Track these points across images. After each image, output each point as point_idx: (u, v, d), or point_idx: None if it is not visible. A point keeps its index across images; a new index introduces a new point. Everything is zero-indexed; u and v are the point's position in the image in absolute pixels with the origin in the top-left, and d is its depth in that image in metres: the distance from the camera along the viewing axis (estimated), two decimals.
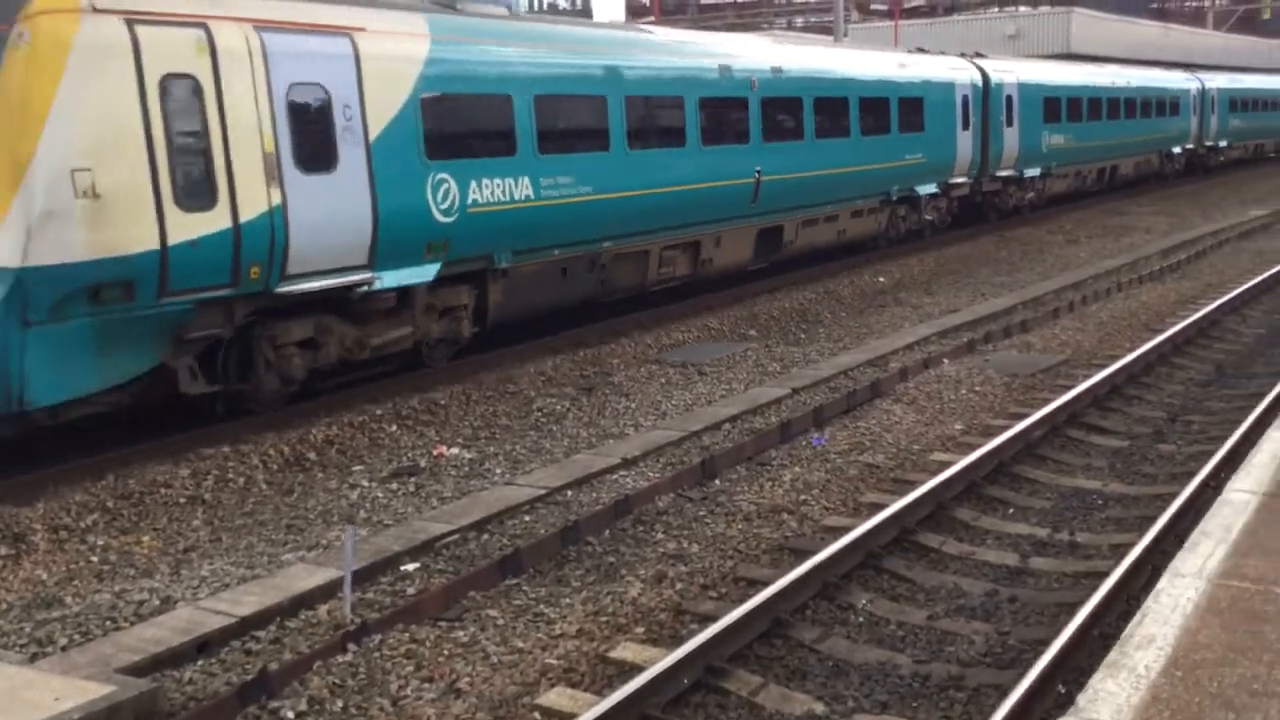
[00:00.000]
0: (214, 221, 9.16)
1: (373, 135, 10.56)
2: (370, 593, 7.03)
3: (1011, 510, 8.56)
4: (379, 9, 11.10)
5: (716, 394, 11.86)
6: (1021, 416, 10.48)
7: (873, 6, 51.29)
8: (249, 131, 9.42)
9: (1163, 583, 4.44)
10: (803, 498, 8.68)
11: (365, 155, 10.47)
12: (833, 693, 5.82)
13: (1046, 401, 11.01)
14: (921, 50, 24.55)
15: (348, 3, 10.73)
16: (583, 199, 13.19)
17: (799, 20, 72.27)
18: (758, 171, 16.56)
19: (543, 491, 8.74)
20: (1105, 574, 6.92)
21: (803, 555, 7.36)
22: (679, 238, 15.43)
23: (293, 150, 9.77)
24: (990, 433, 10.13)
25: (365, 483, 9.30)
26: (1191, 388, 12.08)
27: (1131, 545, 7.30)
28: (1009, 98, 24.87)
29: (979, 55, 25.98)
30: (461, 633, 6.48)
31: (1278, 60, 55.18)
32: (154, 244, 8.73)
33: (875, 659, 6.14)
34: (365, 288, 10.58)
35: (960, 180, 23.63)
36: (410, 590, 7.10)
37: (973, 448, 9.58)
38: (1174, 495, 8.23)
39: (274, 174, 9.59)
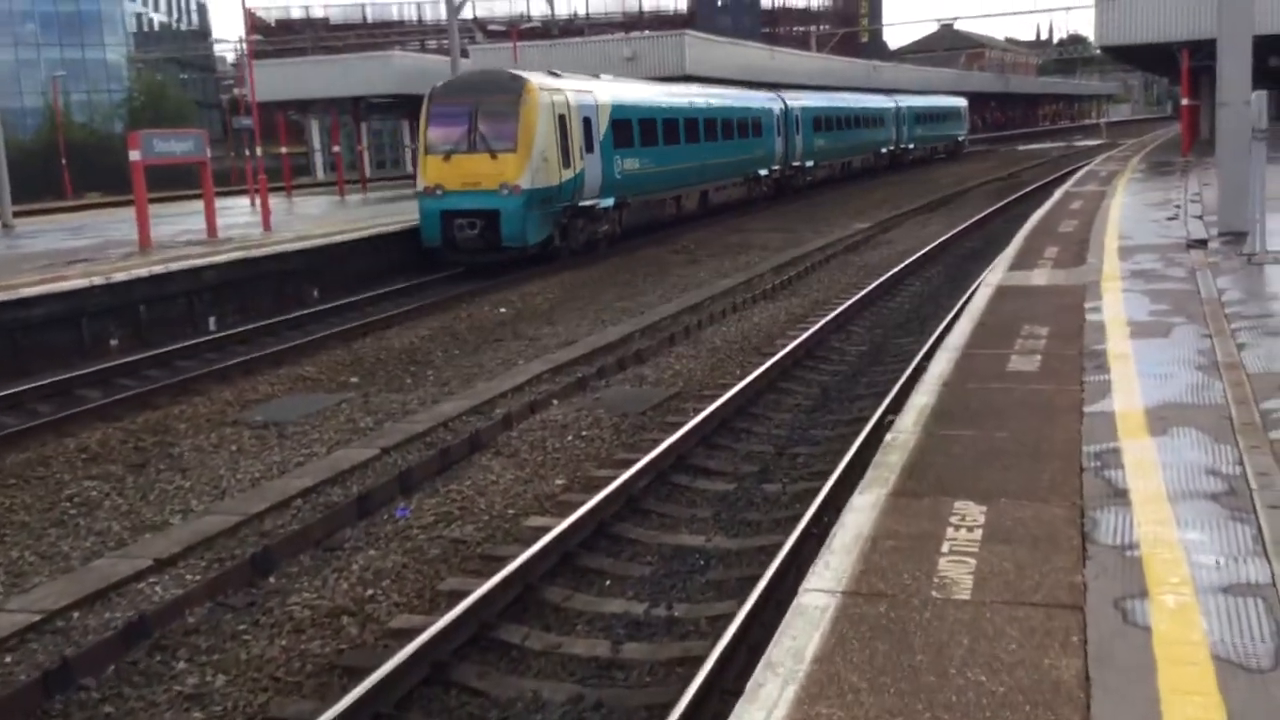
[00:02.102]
0: (569, 174, 22.67)
1: (600, 137, 23.98)
2: None
3: (609, 582, 7.65)
4: (600, 79, 25.72)
5: (294, 461, 10.34)
6: (627, 464, 9.69)
7: (490, 27, 50.89)
8: (576, 136, 22.85)
9: None
10: (371, 592, 7.38)
11: (599, 146, 23.92)
12: None
13: (654, 444, 10.29)
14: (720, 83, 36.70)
15: (592, 77, 25.80)
16: (657, 169, 27.21)
17: (431, 42, 71.26)
18: (701, 160, 29.92)
19: (38, 617, 6.95)
20: (701, 659, 6.10)
21: (355, 676, 6.07)
22: (685, 191, 29.82)
23: (583, 144, 23.13)
24: (593, 487, 9.25)
25: None
26: (799, 415, 11.80)
27: (730, 616, 6.56)
28: (797, 118, 38.11)
29: (778, 86, 39.48)
30: None
31: (877, 79, 59.64)
32: (556, 181, 22.23)
33: None
34: (599, 204, 24.26)
35: (777, 168, 36.60)
36: None
37: (572, 507, 8.64)
38: (778, 547, 7.63)
39: (582, 154, 23.05)
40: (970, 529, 4.81)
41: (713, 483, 9.70)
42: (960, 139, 65.70)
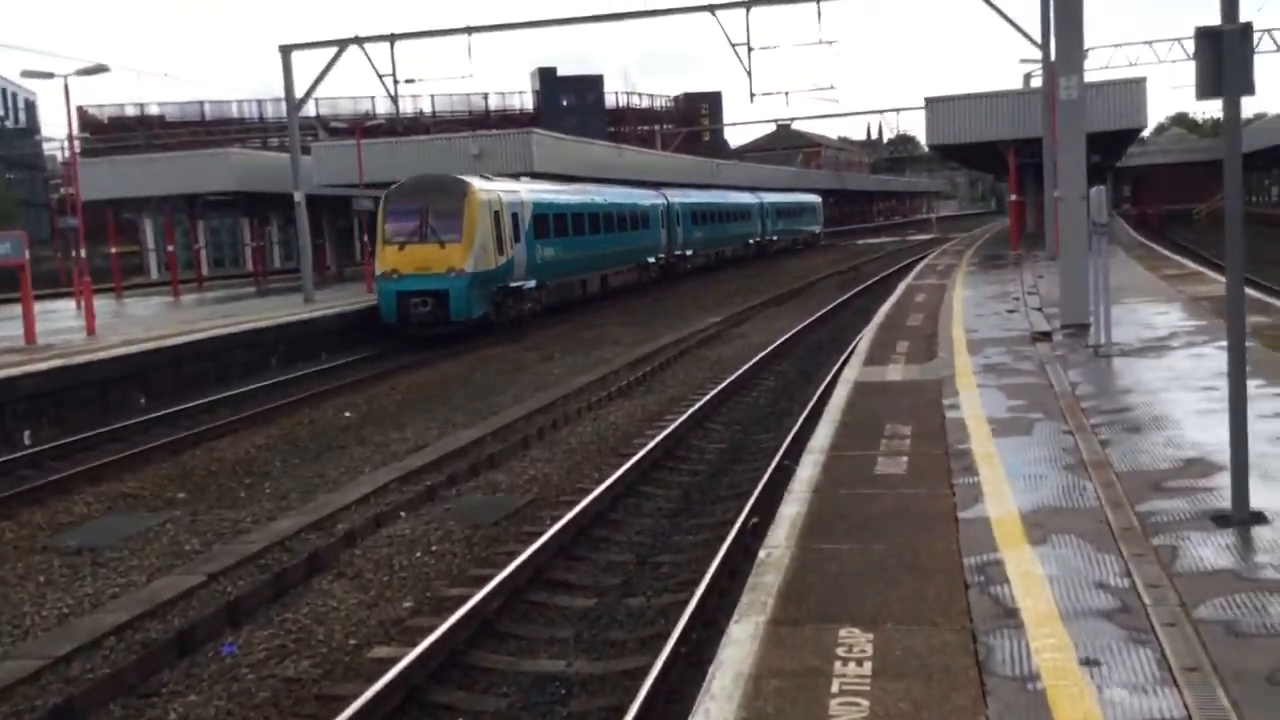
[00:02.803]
0: (503, 260, 26.60)
1: (525, 230, 27.94)
2: None
3: None
4: (524, 181, 30.32)
5: (108, 592, 9.36)
6: (481, 582, 9.05)
7: (332, 125, 50.24)
8: (507, 229, 26.69)
9: None
10: None
11: (524, 237, 27.68)
12: None
13: (510, 558, 9.68)
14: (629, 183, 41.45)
15: (517, 179, 30.38)
16: (578, 255, 32.25)
17: (274, 140, 69.90)
18: (603, 249, 34.45)
19: None
20: None
21: None
22: (590, 275, 33.92)
23: (512, 235, 26.97)
24: (444, 609, 8.58)
25: None
26: (660, 520, 11.35)
27: None
28: (678, 213, 43.25)
29: (665, 185, 45.34)
30: None
31: (721, 175, 61.14)
32: (493, 266, 26.22)
33: None
34: (525, 285, 27.98)
35: (662, 255, 41.17)
36: None
37: (421, 634, 7.96)
38: (645, 670, 7.10)
39: (511, 244, 26.99)
40: (859, 661, 4.41)
41: (573, 598, 9.14)
42: (816, 232, 71.97)
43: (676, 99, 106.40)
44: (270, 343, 24.00)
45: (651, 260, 39.88)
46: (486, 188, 26.96)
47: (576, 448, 14.85)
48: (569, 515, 10.82)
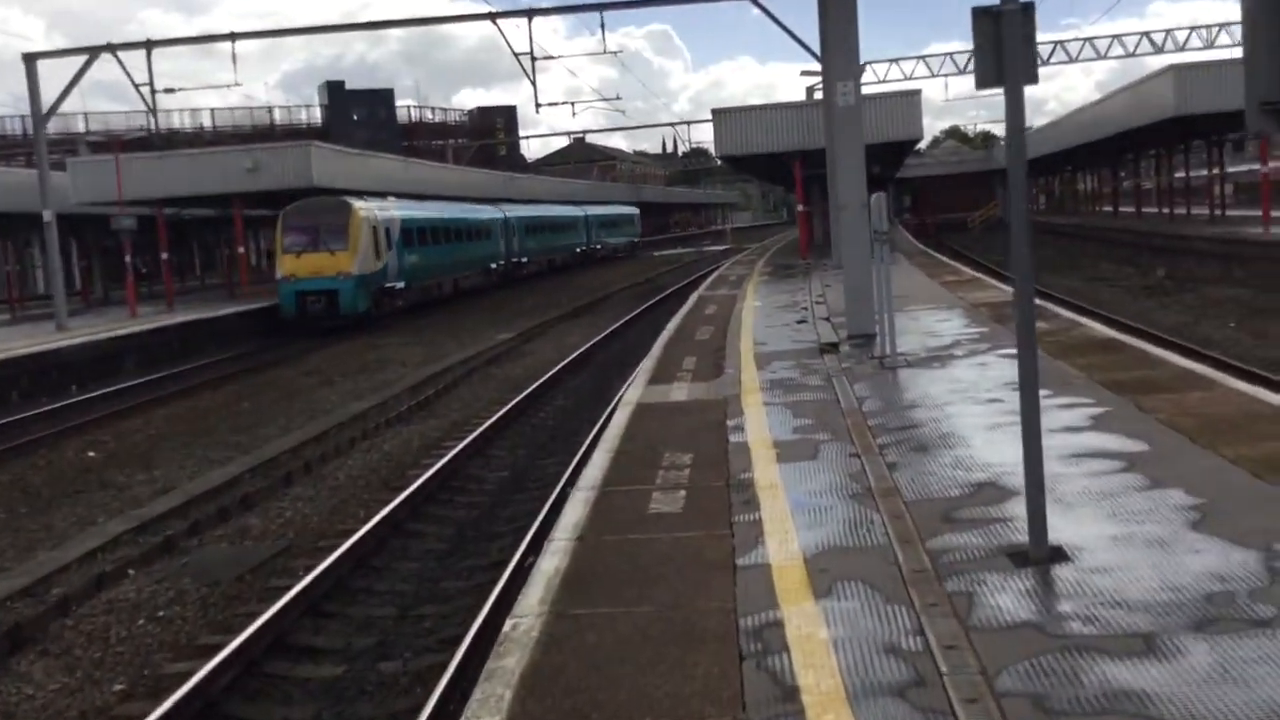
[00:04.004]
0: (380, 264, 32.66)
1: (396, 240, 33.82)
2: None
3: None
4: (390, 200, 36.23)
5: None
6: (210, 653, 7.82)
7: (90, 139, 46.96)
8: (382, 239, 32.75)
9: None
10: None
11: (394, 246, 33.63)
12: None
13: (249, 621, 8.47)
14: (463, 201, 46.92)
15: (384, 197, 36.33)
16: (436, 261, 37.98)
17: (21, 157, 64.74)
18: (455, 256, 40.46)
19: None
20: None
21: None
22: (445, 278, 39.59)
23: (386, 244, 32.97)
24: (161, 690, 7.32)
25: None
26: (429, 564, 10.29)
27: None
28: (514, 225, 49.49)
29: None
30: None
31: (513, 188, 60.47)
32: (372, 270, 32.09)
33: None
34: (396, 285, 34.05)
35: (502, 262, 47.33)
36: None
37: None
38: None
39: (384, 251, 32.89)
40: None
41: (318, 666, 8.00)
42: (635, 241, 79.96)
43: (470, 113, 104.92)
44: (9, 376, 21.70)
45: (494, 266, 46.50)
46: (365, 205, 33.08)
47: (344, 482, 13.61)
48: (323, 564, 9.67)
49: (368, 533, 10.66)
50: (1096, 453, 7.19)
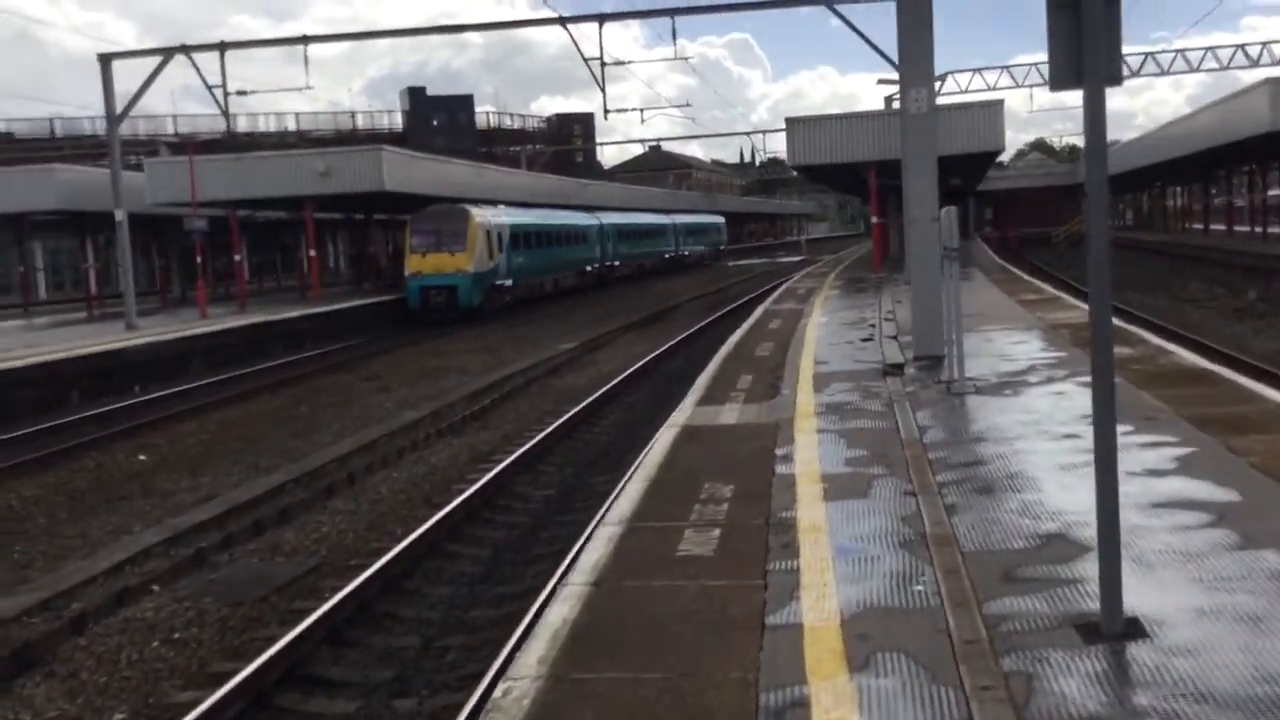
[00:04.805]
0: (491, 264, 37.00)
1: (506, 243, 38.21)
2: None
3: None
4: (505, 208, 40.71)
5: None
6: (221, 681, 7.40)
7: (167, 141, 47.58)
8: (494, 242, 37.24)
9: None
10: None
11: (504, 249, 38.10)
12: None
13: (266, 647, 8.04)
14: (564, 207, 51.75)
15: (495, 205, 40.23)
16: (539, 263, 42.39)
17: (132, 158, 65.81)
18: (556, 259, 45.04)
19: None
20: None
21: None
22: (547, 278, 43.79)
23: (498, 247, 37.54)
24: None
25: None
26: (460, 589, 9.80)
27: None
28: (608, 231, 53.96)
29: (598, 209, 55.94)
30: None
31: (586, 194, 60.42)
32: (486, 269, 36.51)
33: None
34: (505, 283, 38.20)
35: (596, 265, 51.57)
36: None
37: None
38: None
39: (496, 253, 37.32)
40: None
41: (331, 701, 7.53)
42: (721, 247, 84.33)
43: (549, 119, 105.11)
44: (71, 376, 21.74)
45: (589, 269, 50.71)
46: (480, 212, 37.34)
47: (385, 496, 13.20)
48: (350, 586, 9.23)
49: (401, 552, 10.22)
50: (1181, 502, 6.44)
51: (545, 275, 43.84)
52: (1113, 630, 4.44)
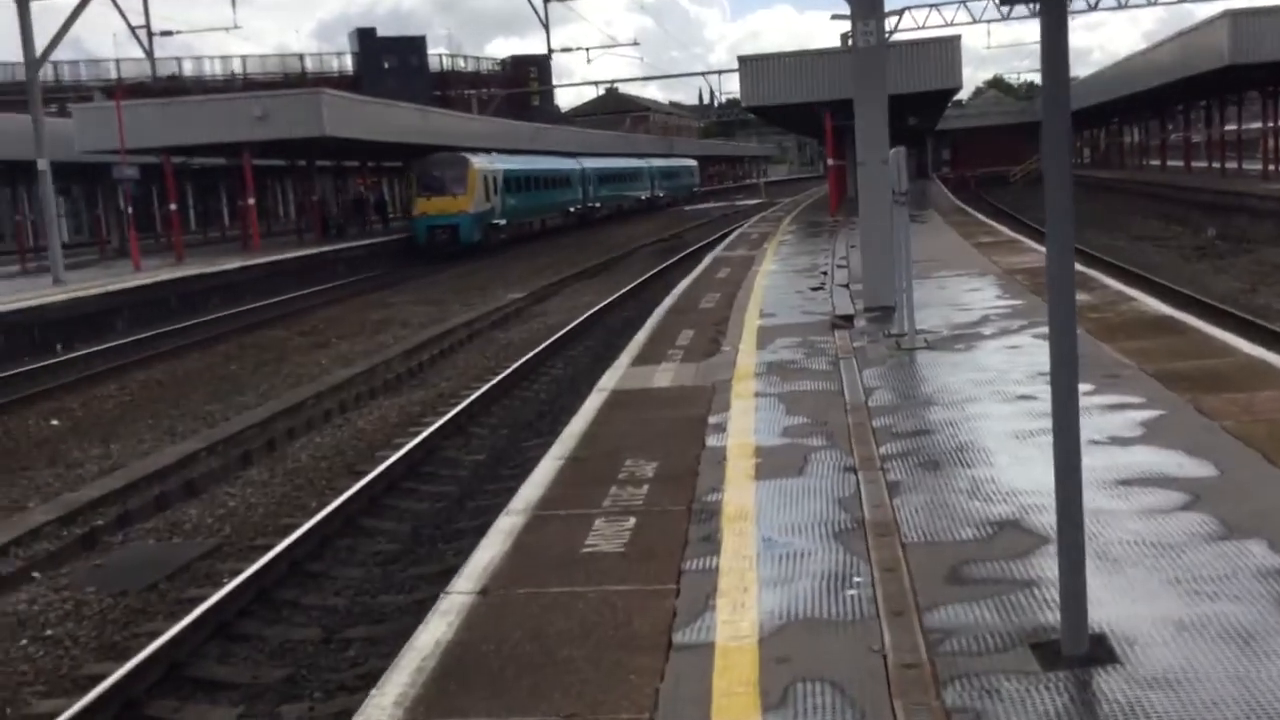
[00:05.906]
0: (488, 206, 41.48)
1: (500, 187, 43.17)
2: None
3: None
4: (502, 155, 46.53)
5: None
6: (88, 687, 6.62)
7: (100, 87, 45.86)
8: (490, 187, 42.02)
9: None
10: None
11: (499, 192, 43.09)
12: None
13: (147, 642, 7.25)
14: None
15: (493, 154, 45.38)
16: (529, 205, 47.45)
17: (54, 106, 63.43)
18: (543, 201, 50.92)
19: None
20: None
21: None
22: (535, 218, 48.96)
23: (493, 190, 42.40)
24: None
25: None
26: (371, 571, 9.03)
27: None
28: (589, 175, 58.68)
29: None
30: None
31: (540, 139, 59.21)
32: (483, 210, 40.75)
33: None
34: (500, 222, 42.68)
35: (579, 206, 55.76)
36: None
37: None
38: None
39: (491, 196, 42.02)
40: None
41: (213, 705, 6.77)
42: (695, 190, 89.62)
43: (503, 62, 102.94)
44: None
45: (572, 210, 55.26)
46: (478, 160, 41.66)
47: (305, 464, 12.39)
48: (249, 570, 8.44)
49: (311, 529, 9.44)
50: (1150, 478, 5.75)
51: (534, 215, 48.68)
52: (1076, 652, 3.73)
